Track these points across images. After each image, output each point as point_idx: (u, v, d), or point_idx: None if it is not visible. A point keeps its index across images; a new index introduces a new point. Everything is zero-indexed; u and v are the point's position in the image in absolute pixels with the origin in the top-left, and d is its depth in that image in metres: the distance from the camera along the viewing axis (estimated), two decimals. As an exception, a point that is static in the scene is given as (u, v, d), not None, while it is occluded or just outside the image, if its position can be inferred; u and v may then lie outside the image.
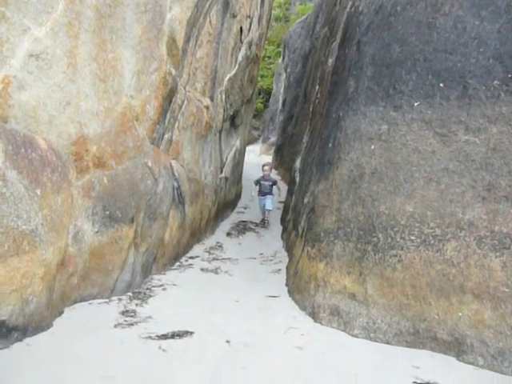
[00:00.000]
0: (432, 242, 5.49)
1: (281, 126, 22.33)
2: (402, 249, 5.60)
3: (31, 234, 4.82)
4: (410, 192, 5.69)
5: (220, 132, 10.85)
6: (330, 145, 6.90)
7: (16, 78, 4.98)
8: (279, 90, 26.00)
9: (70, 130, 5.58)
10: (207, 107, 9.29)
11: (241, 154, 13.48)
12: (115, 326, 5.40)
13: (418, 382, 4.63)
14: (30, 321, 4.90)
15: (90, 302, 5.95)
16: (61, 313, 5.52)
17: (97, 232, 5.97)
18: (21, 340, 4.77)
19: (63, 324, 5.31)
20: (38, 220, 4.93)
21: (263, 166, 11.69)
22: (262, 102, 30.84)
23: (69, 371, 4.32)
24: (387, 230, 5.72)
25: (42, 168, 5.06)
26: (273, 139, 25.10)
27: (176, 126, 8.02)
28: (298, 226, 7.87)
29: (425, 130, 5.78)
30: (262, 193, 11.41)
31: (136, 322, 5.54)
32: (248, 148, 16.32)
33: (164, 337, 5.17)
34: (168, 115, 7.62)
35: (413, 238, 5.57)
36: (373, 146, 6.06)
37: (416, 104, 5.85)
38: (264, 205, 11.22)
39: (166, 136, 7.72)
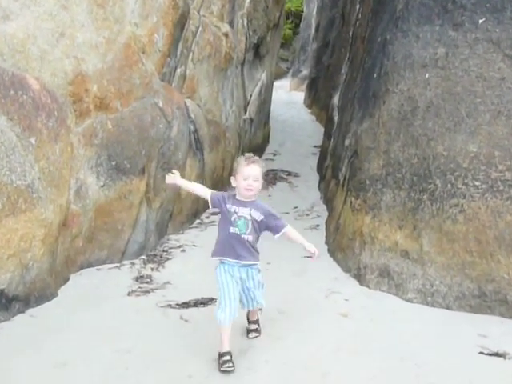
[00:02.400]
0: (501, 187, 5.40)
1: (314, 55, 21.97)
2: (464, 197, 5.52)
3: (27, 189, 4.87)
4: (474, 128, 5.57)
5: (242, 64, 10.71)
6: (374, 75, 6.76)
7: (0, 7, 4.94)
8: (311, 12, 25.46)
9: (66, 67, 5.56)
10: (226, 34, 9.14)
11: (267, 90, 13.34)
12: (129, 294, 5.51)
13: (485, 352, 4.63)
14: (31, 289, 5.01)
15: (98, 267, 6.07)
16: (66, 280, 5.64)
17: (102, 186, 6.02)
18: (23, 311, 4.90)
19: (69, 292, 5.43)
20: (34, 174, 4.98)
21: (246, 161, 4.30)
22: (290, 28, 30.28)
23: (78, 345, 4.43)
24: (446, 174, 5.63)
25: (36, 112, 5.07)
26: (305, 72, 24.77)
27: (190, 58, 7.93)
28: (339, 174, 7.82)
29: (492, 53, 5.61)
30: (232, 252, 4.31)
31: (152, 289, 5.63)
32: (276, 84, 16.15)
33: (185, 305, 5.25)
34: (180, 45, 7.53)
35: (477, 183, 5.48)
36: (427, 75, 5.92)
37: (481, 21, 5.65)
38: (247, 294, 4.47)
39: (179, 70, 7.65)
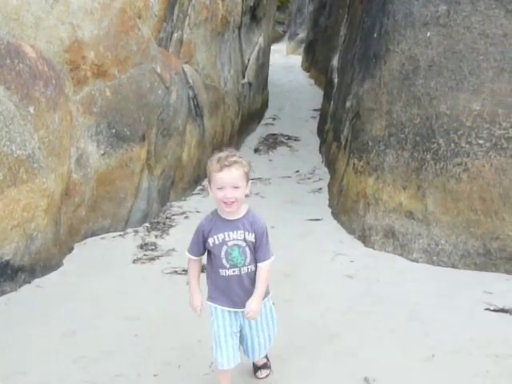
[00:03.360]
0: (505, 145, 5.36)
1: (311, 18, 21.68)
2: (468, 156, 5.48)
3: (28, 159, 4.84)
4: (477, 86, 5.50)
5: (239, 28, 10.56)
6: (374, 35, 6.66)
7: (-9, -27, 4.85)
8: (306, -28, 25.06)
9: (61, 34, 5.48)
10: (222, -3, 9.00)
11: (265, 54, 13.19)
12: (134, 262, 5.52)
13: (491, 308, 4.65)
14: (37, 260, 5.01)
15: (102, 236, 6.06)
16: (70, 249, 5.64)
17: (103, 154, 5.98)
18: (29, 282, 4.91)
19: (74, 262, 5.44)
20: (34, 143, 4.94)
21: (219, 164, 3.05)
22: (286, -10, 29.86)
23: (86, 313, 4.45)
24: (449, 133, 5.58)
25: (33, 81, 5.01)
26: (302, 35, 24.47)
27: (186, 22, 7.81)
28: (340, 136, 7.77)
29: (494, 9, 5.52)
30: (227, 299, 3.28)
31: (157, 256, 5.64)
32: (272, 47, 15.95)
33: (191, 271, 5.25)
34: (176, 10, 7.40)
35: (481, 142, 5.44)
36: (429, 33, 5.83)
37: (483, -25, 5.56)
38: (249, 344, 3.47)
39: (176, 35, 7.54)
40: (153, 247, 5.87)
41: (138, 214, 6.52)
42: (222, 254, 3.12)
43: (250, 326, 3.32)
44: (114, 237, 6.09)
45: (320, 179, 8.50)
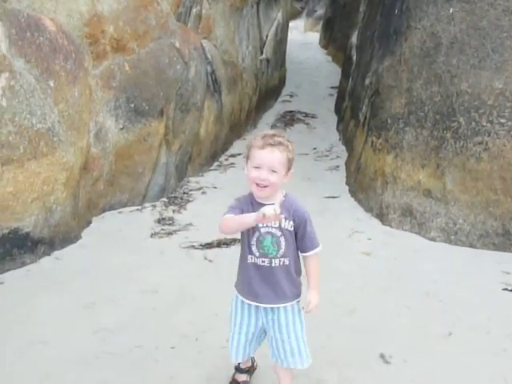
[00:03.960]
0: (527, 124, 5.31)
1: (329, -7, 21.44)
2: (488, 135, 5.44)
3: (48, 133, 4.85)
4: (500, 64, 5.43)
5: (258, 4, 10.47)
6: (395, 11, 6.58)
7: None
8: None
9: (81, 8, 5.46)
10: (241, -28, 8.92)
11: (283, 30, 13.08)
12: (152, 236, 5.54)
13: (510, 288, 4.64)
14: (56, 232, 5.06)
15: (120, 210, 6.10)
16: (89, 223, 5.68)
17: (122, 129, 5.99)
18: (48, 254, 4.96)
19: (93, 235, 5.48)
20: (54, 117, 4.95)
21: (263, 140, 2.75)
22: (305, -34, 29.50)
23: (104, 286, 4.49)
24: (470, 112, 5.53)
25: (53, 55, 5.01)
26: (320, 12, 24.22)
27: (205, -3, 7.77)
28: (359, 114, 7.72)
29: (519, -15, 5.44)
30: (248, 290, 2.96)
31: (175, 231, 5.67)
32: (290, 24, 15.81)
33: (209, 246, 5.28)
34: (195, -16, 7.36)
35: (503, 120, 5.38)
36: (451, 10, 5.75)
37: (508, -50, 5.46)
38: (274, 345, 3.03)
39: (194, 10, 7.49)
40: (170, 222, 5.89)
41: (156, 189, 6.54)
42: (253, 240, 2.81)
43: (273, 326, 2.93)
44: (131, 211, 6.12)
45: (337, 157, 8.48)
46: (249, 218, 2.65)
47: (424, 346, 3.80)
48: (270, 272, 2.83)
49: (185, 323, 4.00)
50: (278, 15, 12.27)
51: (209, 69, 7.80)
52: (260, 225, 2.73)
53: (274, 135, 2.73)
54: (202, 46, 7.62)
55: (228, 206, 2.85)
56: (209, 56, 7.84)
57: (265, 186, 2.70)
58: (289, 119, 10.95)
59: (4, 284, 4.43)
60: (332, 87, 13.33)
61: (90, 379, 3.36)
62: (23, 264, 4.71)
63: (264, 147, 2.68)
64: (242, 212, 2.76)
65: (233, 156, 8.53)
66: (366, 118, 7.19)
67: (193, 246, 5.29)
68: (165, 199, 6.54)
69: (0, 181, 4.45)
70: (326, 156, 8.63)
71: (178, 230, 5.68)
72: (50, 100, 4.94)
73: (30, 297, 4.24)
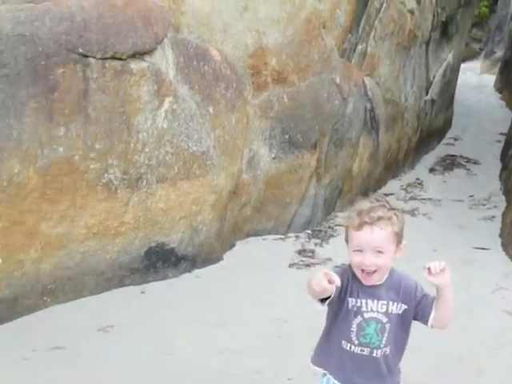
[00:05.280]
0: None
1: (511, 36, 20.59)
2: None
3: (202, 156, 5.14)
4: None
5: (427, 43, 10.33)
6: None
7: (189, -20, 5.21)
8: (512, -12, 23.81)
9: (247, 40, 5.74)
10: (411, 11, 8.86)
11: (453, 71, 12.75)
12: (290, 266, 5.64)
13: None
14: (199, 251, 5.31)
15: (264, 236, 6.26)
16: (232, 246, 5.89)
17: (274, 158, 6.17)
18: (190, 271, 5.22)
19: (234, 258, 5.68)
20: (209, 141, 5.24)
21: (359, 218, 2.25)
22: (487, 6, 28.54)
23: (236, 308, 4.63)
24: None
25: (216, 83, 5.31)
26: (499, 53, 23.31)
27: (372, 35, 7.82)
28: (524, 163, 7.33)
29: None
30: (345, 377, 2.44)
31: (313, 264, 5.71)
32: (464, 66, 15.38)
33: (344, 283, 5.26)
34: (362, 22, 7.44)
35: None
36: None
37: None
38: None
39: (360, 47, 7.58)
40: (311, 254, 5.96)
41: (301, 220, 6.64)
42: (354, 325, 2.33)
43: None
44: (275, 239, 6.26)
45: (495, 207, 8.09)
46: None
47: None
48: (369, 363, 2.37)
49: (306, 356, 3.99)
50: (449, 56, 12.00)
51: (368, 106, 7.82)
52: (364, 308, 2.32)
53: (370, 210, 2.24)
54: (363, 82, 7.67)
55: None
56: (369, 93, 7.86)
57: (372, 272, 2.27)
58: (449, 163, 10.62)
59: (145, 294, 4.73)
60: (501, 134, 12.75)
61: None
62: (165, 277, 5.00)
63: (361, 227, 2.23)
64: (341, 284, 2.23)
65: (385, 195, 8.44)
66: (529, 168, 6.82)
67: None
68: (309, 231, 6.62)
69: (153, 197, 4.79)
70: (483, 205, 8.26)
71: (317, 264, 5.71)
72: (208, 125, 5.23)
73: (166, 309, 4.48)
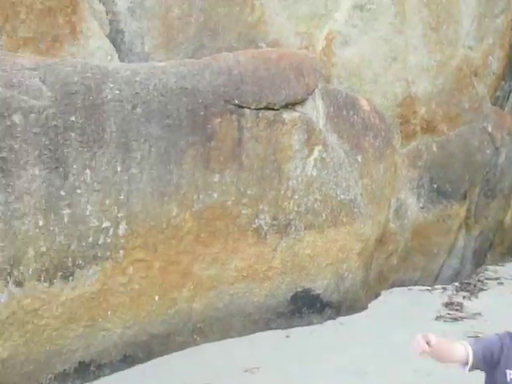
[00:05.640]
0: None
1: None
2: None
3: (350, 204, 5.19)
4: None
5: None
6: None
7: (340, 33, 5.38)
8: None
9: (396, 89, 5.78)
10: None
11: None
12: (436, 319, 5.47)
13: None
14: (344, 299, 5.32)
15: (409, 287, 6.15)
16: (377, 295, 5.83)
17: (422, 208, 6.09)
18: (334, 318, 5.23)
19: (379, 308, 5.61)
20: (357, 189, 5.28)
21: None
22: None
23: (379, 358, 4.55)
24: None
25: (364, 132, 5.38)
26: None
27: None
28: None
29: None
30: None
31: (461, 318, 5.50)
32: None
33: (494, 339, 5.03)
34: (517, 68, 7.23)
35: None
36: None
37: None
38: None
39: (514, 95, 7.35)
40: (458, 307, 5.75)
41: (449, 272, 6.46)
42: None
43: None
44: (421, 290, 6.12)
45: None
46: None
47: None
48: None
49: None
50: None
51: (523, 155, 7.52)
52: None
53: None
54: (518, 131, 7.40)
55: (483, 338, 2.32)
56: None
57: None
58: None
59: (290, 338, 4.80)
60: None
61: None
62: (309, 323, 5.05)
63: None
64: (492, 357, 2.13)
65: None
66: None
67: (477, 337, 5.08)
68: (457, 284, 6.41)
69: (301, 243, 4.90)
70: None
71: (465, 318, 5.51)
72: (356, 174, 5.29)
73: (310, 355, 4.51)
